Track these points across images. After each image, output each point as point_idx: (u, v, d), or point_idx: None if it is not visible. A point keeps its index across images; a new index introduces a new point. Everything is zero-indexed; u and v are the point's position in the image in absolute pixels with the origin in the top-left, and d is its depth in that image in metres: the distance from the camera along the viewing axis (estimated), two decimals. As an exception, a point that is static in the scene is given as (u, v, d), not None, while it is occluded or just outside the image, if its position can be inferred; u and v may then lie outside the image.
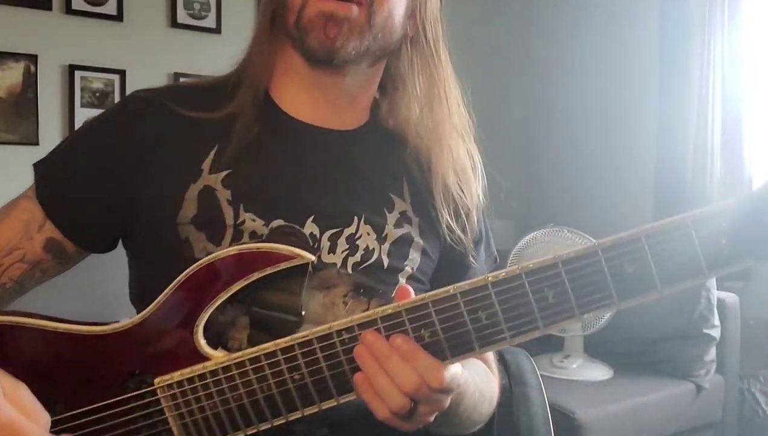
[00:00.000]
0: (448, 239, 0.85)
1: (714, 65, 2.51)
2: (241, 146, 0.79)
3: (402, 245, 0.82)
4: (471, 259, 0.88)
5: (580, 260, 0.57)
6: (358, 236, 0.79)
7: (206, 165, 0.78)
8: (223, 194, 0.77)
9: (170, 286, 0.68)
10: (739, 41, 2.47)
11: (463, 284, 0.60)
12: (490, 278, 0.59)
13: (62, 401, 0.69)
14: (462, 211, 0.86)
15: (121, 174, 0.79)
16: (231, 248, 0.68)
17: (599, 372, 2.22)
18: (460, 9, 3.16)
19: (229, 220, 0.76)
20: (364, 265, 0.79)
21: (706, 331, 2.18)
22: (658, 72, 2.73)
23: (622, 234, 0.56)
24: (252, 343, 0.68)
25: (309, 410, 0.64)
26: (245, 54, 0.86)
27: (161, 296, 0.68)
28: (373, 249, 0.80)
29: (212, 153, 0.79)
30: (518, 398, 1.04)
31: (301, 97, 0.83)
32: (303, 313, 0.69)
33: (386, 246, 0.81)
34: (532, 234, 2.26)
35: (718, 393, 2.25)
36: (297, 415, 0.64)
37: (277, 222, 0.77)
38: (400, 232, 0.82)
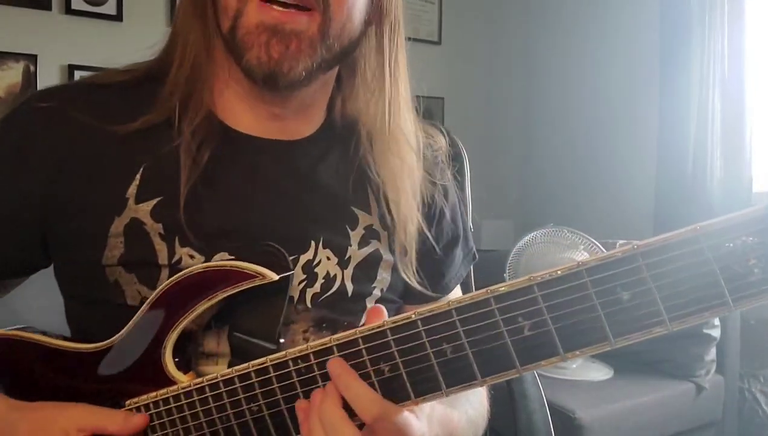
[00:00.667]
0: (420, 246, 0.73)
1: (714, 65, 2.42)
2: (171, 166, 0.65)
3: (369, 266, 0.70)
4: (448, 263, 0.78)
5: (561, 283, 0.45)
6: (316, 262, 0.67)
7: (131, 193, 0.65)
8: (154, 228, 0.64)
9: (145, 303, 0.61)
10: (740, 40, 2.39)
11: (424, 310, 0.50)
12: (453, 303, 0.48)
13: None
14: (435, 212, 0.75)
15: (25, 213, 0.66)
16: (198, 266, 0.60)
17: (599, 372, 2.16)
18: (460, 8, 3.16)
19: (163, 258, 0.63)
20: (325, 295, 0.68)
21: (706, 331, 2.11)
22: (658, 72, 2.65)
23: (615, 251, 0.44)
24: None
25: None
26: (165, 45, 0.70)
27: (136, 316, 0.61)
28: (335, 276, 0.68)
29: (138, 176, 0.65)
30: (516, 394, 1.00)
31: (242, 106, 0.69)
32: (282, 341, 0.61)
33: (350, 270, 0.69)
34: (532, 234, 2.21)
35: (718, 393, 2.18)
36: None
37: (220, 256, 0.64)
38: (366, 251, 0.70)
